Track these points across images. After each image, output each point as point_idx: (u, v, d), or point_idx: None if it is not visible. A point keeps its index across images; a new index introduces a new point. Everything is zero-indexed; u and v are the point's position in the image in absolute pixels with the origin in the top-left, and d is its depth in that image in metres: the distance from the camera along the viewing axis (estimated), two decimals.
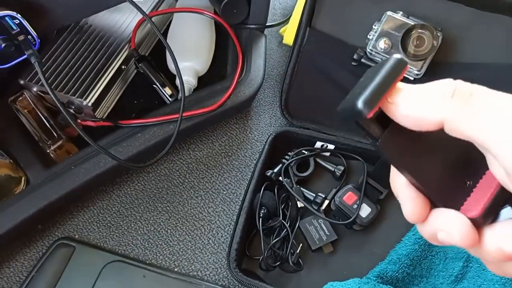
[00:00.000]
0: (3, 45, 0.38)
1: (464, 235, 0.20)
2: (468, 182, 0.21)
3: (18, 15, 0.37)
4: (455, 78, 0.59)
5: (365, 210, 0.51)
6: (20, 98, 0.52)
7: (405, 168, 0.21)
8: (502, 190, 0.20)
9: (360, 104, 0.19)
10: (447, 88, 0.19)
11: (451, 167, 0.21)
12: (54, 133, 0.51)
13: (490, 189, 0.20)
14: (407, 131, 0.20)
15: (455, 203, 0.21)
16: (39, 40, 0.40)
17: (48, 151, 0.51)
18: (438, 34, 0.53)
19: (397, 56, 0.20)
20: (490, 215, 0.20)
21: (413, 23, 0.53)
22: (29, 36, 0.39)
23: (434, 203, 0.22)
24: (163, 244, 0.52)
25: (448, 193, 0.21)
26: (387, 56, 0.54)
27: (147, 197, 0.55)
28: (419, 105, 0.19)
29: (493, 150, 0.18)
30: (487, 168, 0.20)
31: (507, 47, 0.53)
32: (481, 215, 0.20)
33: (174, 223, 0.53)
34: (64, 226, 0.52)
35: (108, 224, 0.53)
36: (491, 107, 0.18)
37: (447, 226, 0.20)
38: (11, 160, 0.50)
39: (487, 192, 0.20)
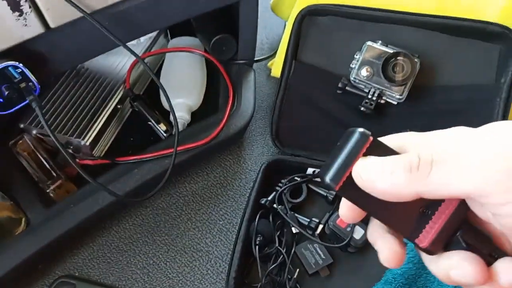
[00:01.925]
0: (6, 92, 0.40)
1: (387, 257, 0.22)
2: (426, 212, 0.22)
3: (20, 64, 0.40)
4: (435, 100, 0.62)
5: (359, 232, 0.52)
6: (20, 141, 0.54)
7: (363, 208, 0.23)
8: (452, 218, 0.22)
9: (327, 180, 0.22)
10: (412, 162, 0.21)
11: (408, 204, 0.22)
12: (54, 173, 0.53)
13: (441, 219, 0.22)
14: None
15: (414, 233, 0.22)
16: (39, 86, 0.43)
17: (47, 191, 0.52)
18: (416, 60, 0.56)
19: (360, 130, 0.22)
20: (440, 244, 0.22)
21: (392, 51, 0.56)
22: (30, 83, 0.42)
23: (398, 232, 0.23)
24: (162, 277, 0.52)
25: (407, 225, 0.22)
26: (370, 84, 0.57)
27: (145, 231, 0.56)
28: (390, 184, 0.21)
29: (480, 200, 0.20)
30: (442, 202, 0.22)
31: (481, 68, 0.57)
32: (431, 245, 0.22)
33: (173, 255, 0.54)
34: (64, 264, 0.53)
35: (108, 260, 0.53)
36: (457, 164, 0.20)
37: (379, 248, 0.23)
38: (11, 202, 0.51)
39: (438, 223, 0.22)
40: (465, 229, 0.22)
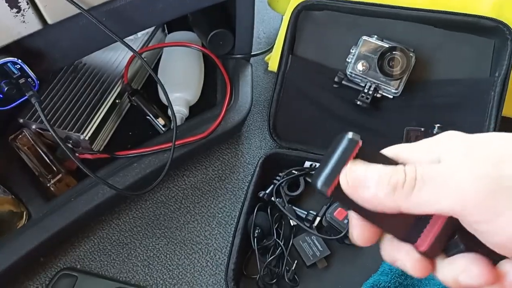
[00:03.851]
0: (5, 88, 0.41)
1: (414, 267, 0.22)
2: (422, 218, 0.23)
3: (19, 60, 0.40)
4: (430, 94, 0.62)
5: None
6: (20, 136, 0.55)
7: (359, 213, 0.23)
8: (449, 222, 0.22)
9: (319, 186, 0.23)
10: (397, 180, 0.21)
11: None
12: (54, 167, 0.54)
13: (438, 223, 0.22)
14: None
15: (412, 237, 0.23)
16: (38, 82, 0.43)
17: (48, 185, 0.53)
18: (411, 54, 0.57)
19: (349, 135, 0.23)
20: (438, 248, 0.22)
21: (387, 46, 0.57)
22: (29, 79, 0.42)
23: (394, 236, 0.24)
24: (162, 269, 0.53)
25: (404, 229, 0.23)
26: (366, 78, 0.58)
27: (145, 224, 0.57)
28: (373, 195, 0.21)
29: (461, 218, 0.20)
30: None
31: (475, 63, 0.57)
32: (429, 249, 0.22)
33: (173, 248, 0.55)
34: (65, 257, 0.54)
35: (109, 253, 0.54)
36: (440, 184, 0.20)
37: (402, 259, 0.23)
38: (13, 196, 0.52)
39: (435, 226, 0.22)
40: (461, 232, 0.22)
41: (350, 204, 0.23)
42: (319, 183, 0.23)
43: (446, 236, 0.22)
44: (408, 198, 0.21)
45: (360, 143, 0.22)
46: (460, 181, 0.20)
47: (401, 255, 0.23)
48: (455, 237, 0.22)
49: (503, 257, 0.21)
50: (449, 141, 0.22)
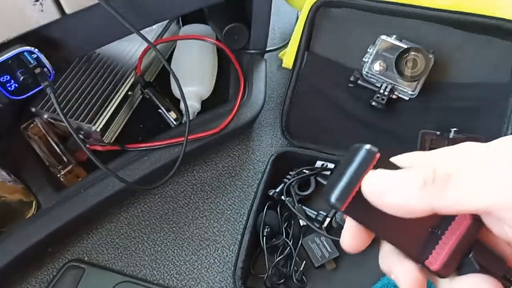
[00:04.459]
0: (21, 78, 0.40)
1: (409, 284, 0.21)
2: (436, 231, 0.21)
3: (36, 49, 0.40)
4: (447, 97, 0.61)
5: None
6: (32, 125, 0.54)
7: (369, 227, 0.22)
8: (464, 238, 0.21)
9: (333, 200, 0.21)
10: (427, 175, 0.20)
11: (417, 221, 0.21)
12: (64, 158, 0.53)
13: (452, 240, 0.21)
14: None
15: (423, 252, 0.22)
16: (53, 72, 0.43)
17: (58, 175, 0.53)
18: (430, 56, 0.56)
19: (366, 146, 0.21)
20: (451, 266, 0.21)
21: (406, 46, 0.56)
22: (45, 69, 0.42)
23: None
24: (170, 264, 0.53)
25: (415, 245, 0.21)
26: (383, 78, 0.57)
27: (153, 218, 0.56)
28: (403, 197, 0.20)
29: (499, 214, 0.19)
30: (453, 220, 0.21)
31: (496, 67, 0.56)
32: (442, 268, 0.21)
33: (181, 243, 0.55)
34: (73, 249, 0.53)
35: (116, 246, 0.54)
36: (472, 183, 0.19)
37: (398, 274, 0.22)
38: (23, 185, 0.52)
39: (450, 243, 0.21)
40: (477, 249, 0.21)
41: (365, 217, 0.21)
42: (333, 197, 0.21)
43: (461, 253, 0.21)
44: (442, 194, 0.19)
45: (378, 155, 0.21)
46: (501, 173, 0.19)
47: (399, 270, 0.22)
48: (469, 255, 0.21)
49: None
50: (473, 143, 0.21)
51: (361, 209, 0.21)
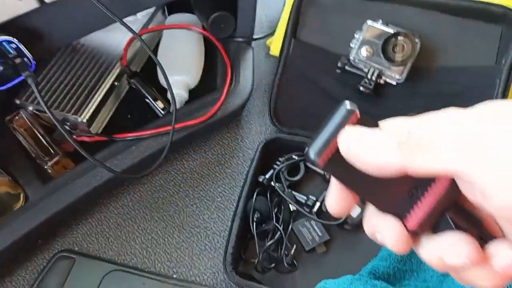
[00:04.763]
0: (1, 68, 0.40)
1: (396, 243, 0.21)
2: (415, 192, 0.22)
3: (15, 39, 0.39)
4: (434, 81, 0.61)
5: (356, 210, 0.53)
6: (17, 117, 0.54)
7: (349, 185, 0.22)
8: (442, 200, 0.21)
9: (311, 156, 0.21)
10: (401, 136, 0.20)
11: (396, 181, 0.21)
12: (51, 149, 0.53)
13: (430, 201, 0.21)
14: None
15: (402, 212, 0.22)
16: (35, 62, 0.42)
17: (45, 167, 0.52)
18: (417, 40, 0.56)
19: (346, 105, 0.21)
20: (428, 225, 0.21)
21: (392, 31, 0.56)
22: (26, 59, 0.41)
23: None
24: (161, 252, 0.53)
25: (394, 203, 0.22)
26: (370, 63, 0.57)
27: (143, 207, 0.56)
28: (376, 156, 0.20)
29: (469, 179, 0.19)
30: (432, 182, 0.21)
31: (481, 50, 0.56)
32: (418, 227, 0.21)
33: (171, 231, 0.55)
34: (63, 239, 0.53)
35: (107, 235, 0.54)
36: (447, 143, 0.19)
37: (383, 232, 0.22)
38: (10, 178, 0.51)
39: (428, 204, 0.21)
40: (454, 210, 0.21)
41: (345, 175, 0.22)
42: (312, 152, 0.21)
43: (438, 214, 0.21)
44: (414, 155, 0.19)
45: (358, 112, 0.21)
46: (475, 138, 0.18)
47: (384, 228, 0.22)
48: (446, 215, 0.21)
49: (492, 239, 0.20)
50: (456, 108, 0.20)
51: (341, 166, 0.21)
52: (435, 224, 0.21)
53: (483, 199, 0.19)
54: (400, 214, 0.22)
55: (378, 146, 0.20)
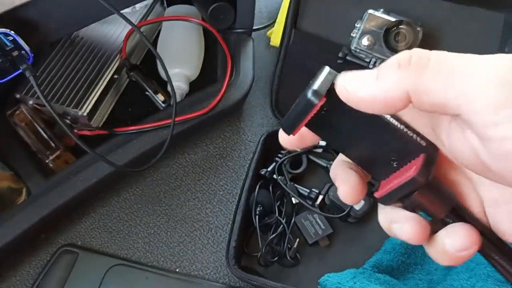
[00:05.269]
0: None
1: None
2: (395, 163, 0.22)
3: (12, 32, 0.39)
4: None
5: (359, 203, 0.52)
6: (17, 111, 0.54)
7: (332, 143, 0.23)
8: (410, 181, 0.20)
9: (310, 95, 0.20)
10: (402, 58, 0.18)
11: (381, 146, 0.22)
12: (52, 143, 0.53)
13: (402, 177, 0.21)
14: (341, 111, 0.21)
15: (378, 176, 0.23)
16: (32, 55, 0.42)
17: (47, 161, 0.52)
18: (419, 29, 0.55)
19: (326, 68, 0.21)
20: (394, 198, 0.22)
21: (393, 20, 0.55)
22: (23, 51, 0.41)
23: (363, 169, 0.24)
24: (163, 246, 0.53)
25: (373, 165, 0.23)
26: (372, 53, 0.56)
27: (145, 201, 0.56)
28: (378, 85, 0.18)
29: (472, 118, 0.17)
30: (412, 159, 0.21)
31: (484, 38, 0.55)
32: (383, 198, 0.22)
33: (173, 225, 0.55)
34: (66, 234, 0.53)
35: (109, 230, 0.54)
36: (457, 69, 0.17)
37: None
38: (12, 172, 0.51)
39: (398, 179, 0.21)
40: (423, 190, 0.21)
41: (329, 133, 0.22)
42: (310, 93, 0.20)
43: (405, 191, 0.21)
44: (418, 78, 0.18)
45: (325, 98, 0.20)
46: (483, 70, 0.17)
47: (340, 178, 0.23)
48: (412, 195, 0.21)
49: (455, 221, 0.21)
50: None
51: (324, 123, 0.22)
52: (401, 198, 0.22)
53: (481, 145, 0.18)
54: (376, 177, 0.23)
55: (380, 73, 0.19)
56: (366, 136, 0.22)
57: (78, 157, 0.53)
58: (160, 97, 0.58)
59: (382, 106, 0.19)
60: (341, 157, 0.24)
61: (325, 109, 0.21)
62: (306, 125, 0.22)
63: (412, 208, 0.21)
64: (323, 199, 0.54)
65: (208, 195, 0.57)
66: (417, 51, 0.18)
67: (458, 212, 0.21)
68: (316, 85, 0.20)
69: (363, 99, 0.19)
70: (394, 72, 0.18)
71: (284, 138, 0.24)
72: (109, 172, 0.51)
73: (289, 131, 0.22)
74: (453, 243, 0.20)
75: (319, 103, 0.20)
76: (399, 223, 0.21)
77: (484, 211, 0.21)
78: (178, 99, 0.58)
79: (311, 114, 0.21)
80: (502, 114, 0.16)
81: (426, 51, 0.18)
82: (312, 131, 0.23)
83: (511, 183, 0.18)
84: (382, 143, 0.22)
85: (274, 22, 0.68)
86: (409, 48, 0.54)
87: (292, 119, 0.21)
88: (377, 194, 0.22)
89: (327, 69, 0.21)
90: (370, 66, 0.57)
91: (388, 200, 0.22)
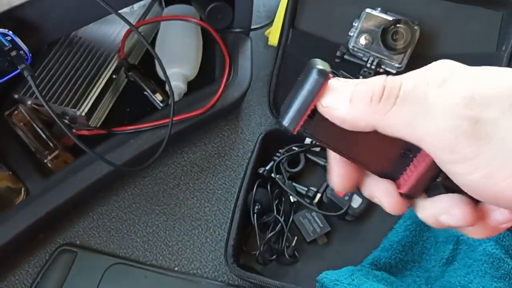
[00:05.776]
0: None
1: (392, 206, 0.22)
2: (407, 154, 0.21)
3: (10, 32, 0.39)
4: None
5: (357, 201, 0.52)
6: (16, 112, 0.54)
7: (335, 149, 0.22)
8: (432, 165, 0.20)
9: (286, 123, 0.21)
10: (376, 91, 0.19)
11: (389, 144, 0.21)
12: (51, 143, 0.53)
13: (423, 163, 0.21)
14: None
15: (394, 174, 0.22)
16: (30, 55, 0.42)
17: (45, 161, 0.52)
18: (416, 27, 0.55)
19: (318, 65, 0.21)
20: (419, 189, 0.21)
21: (391, 19, 0.55)
22: (21, 51, 0.41)
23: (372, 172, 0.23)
24: (162, 245, 0.53)
25: (385, 166, 0.22)
26: (369, 52, 0.56)
27: (144, 200, 0.56)
28: (350, 111, 0.20)
29: (430, 152, 0.19)
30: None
31: (481, 37, 0.56)
32: (410, 190, 0.21)
33: (172, 224, 0.55)
34: (65, 233, 0.53)
35: (108, 229, 0.54)
36: (420, 106, 0.18)
37: (380, 196, 0.22)
38: (10, 172, 0.51)
39: (418, 168, 0.21)
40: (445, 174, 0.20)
41: (324, 137, 0.21)
42: (286, 121, 0.21)
43: (429, 177, 0.21)
44: (385, 115, 0.19)
45: (331, 76, 0.21)
46: (436, 111, 0.18)
47: (379, 192, 0.22)
48: (438, 178, 0.21)
49: None
50: (452, 63, 0.20)
51: (316, 128, 0.21)
52: (427, 188, 0.21)
53: (452, 176, 0.19)
54: (393, 176, 0.22)
55: (351, 100, 0.20)
56: (369, 137, 0.21)
57: (76, 156, 0.53)
58: (158, 97, 0.58)
59: (352, 127, 0.20)
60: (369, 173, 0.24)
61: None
62: (301, 132, 0.21)
63: (445, 188, 0.21)
64: (321, 197, 0.54)
65: (206, 194, 0.57)
66: (390, 82, 0.19)
67: None
68: (320, 65, 0.20)
69: (334, 117, 0.20)
70: (365, 104, 0.19)
71: (336, 183, 0.23)
72: (108, 172, 0.51)
73: (293, 122, 0.21)
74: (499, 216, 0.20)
75: (326, 80, 0.20)
76: (445, 213, 0.21)
77: None
78: (176, 98, 0.58)
79: (319, 96, 0.20)
80: (456, 156, 0.18)
81: (399, 80, 0.19)
82: (317, 139, 0.22)
83: (501, 204, 0.19)
84: (387, 140, 0.21)
85: (272, 21, 0.69)
86: (407, 47, 0.55)
87: (296, 108, 0.21)
88: (402, 190, 0.21)
89: (317, 60, 0.21)
90: (368, 65, 0.57)
91: (415, 190, 0.21)
